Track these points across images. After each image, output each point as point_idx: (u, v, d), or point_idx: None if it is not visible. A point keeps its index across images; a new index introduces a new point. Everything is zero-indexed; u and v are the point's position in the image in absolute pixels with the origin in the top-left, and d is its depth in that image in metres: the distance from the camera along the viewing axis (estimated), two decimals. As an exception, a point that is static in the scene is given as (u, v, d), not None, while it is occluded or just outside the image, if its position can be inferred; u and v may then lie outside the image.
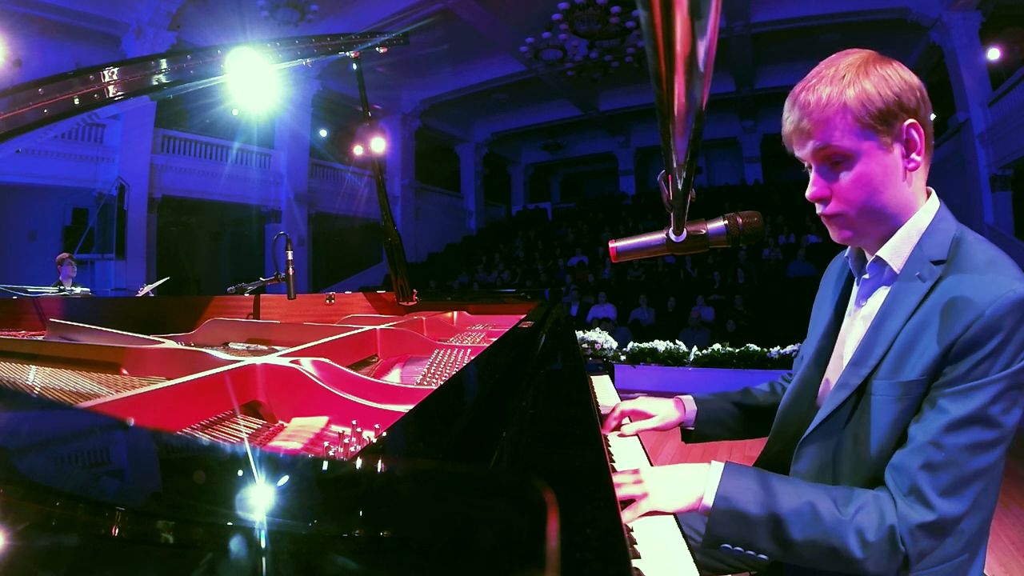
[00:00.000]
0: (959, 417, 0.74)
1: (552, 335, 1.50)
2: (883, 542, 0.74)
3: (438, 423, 0.56)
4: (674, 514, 0.84)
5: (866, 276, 0.93)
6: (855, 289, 0.98)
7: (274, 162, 11.46)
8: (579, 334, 5.47)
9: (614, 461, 1.08)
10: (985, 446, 0.74)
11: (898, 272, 0.85)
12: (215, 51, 1.58)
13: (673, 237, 0.93)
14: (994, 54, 8.83)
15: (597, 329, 5.96)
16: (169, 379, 0.81)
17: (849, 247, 0.97)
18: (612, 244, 1.00)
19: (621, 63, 11.30)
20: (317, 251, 13.12)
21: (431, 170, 15.39)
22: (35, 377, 1.12)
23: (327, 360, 0.97)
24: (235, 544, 0.24)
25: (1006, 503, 2.78)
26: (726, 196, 13.05)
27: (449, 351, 1.38)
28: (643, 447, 1.18)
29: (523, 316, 1.77)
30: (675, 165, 0.52)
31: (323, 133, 13.00)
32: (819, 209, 0.88)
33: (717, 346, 6.51)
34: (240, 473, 0.28)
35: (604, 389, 1.75)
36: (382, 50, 2.30)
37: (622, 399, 1.66)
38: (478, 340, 1.65)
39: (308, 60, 1.96)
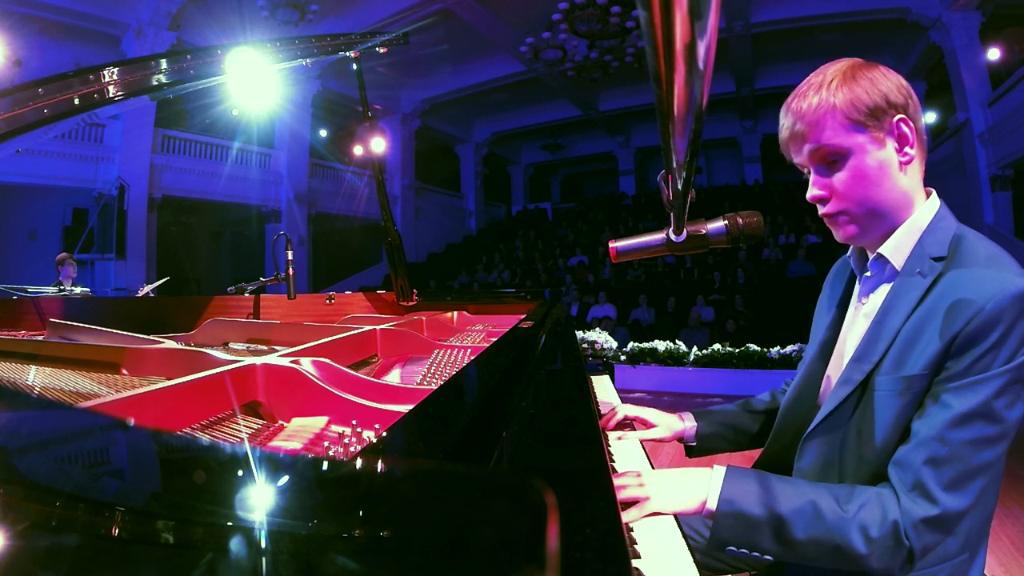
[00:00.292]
0: (962, 412, 0.74)
1: (552, 335, 1.50)
2: (887, 537, 0.74)
3: (438, 423, 0.56)
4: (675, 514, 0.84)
5: (868, 274, 0.93)
6: (857, 287, 0.99)
7: (274, 162, 11.46)
8: (579, 334, 5.47)
9: (614, 462, 1.08)
10: (988, 441, 0.74)
11: (899, 269, 0.86)
12: (215, 51, 1.58)
13: (673, 237, 0.93)
14: (994, 54, 8.83)
15: (597, 329, 5.96)
16: (169, 379, 0.81)
17: (851, 247, 0.98)
18: (612, 244, 1.00)
19: (621, 63, 11.30)
20: (317, 251, 13.12)
21: (431, 170, 15.39)
22: (35, 377, 1.12)
23: (327, 360, 0.97)
24: (235, 544, 0.24)
25: (1006, 503, 2.78)
26: (726, 196, 13.05)
27: (449, 351, 1.38)
28: (643, 448, 1.18)
29: (523, 316, 1.77)
30: (675, 165, 0.52)
31: (323, 133, 13.00)
32: (820, 210, 0.90)
33: (717, 346, 6.51)
34: (240, 473, 0.28)
35: (604, 389, 1.75)
36: (382, 50, 2.30)
37: (622, 399, 1.65)
38: (478, 340, 1.65)
39: (308, 60, 1.96)
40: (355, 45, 2.14)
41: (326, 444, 0.75)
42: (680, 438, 1.23)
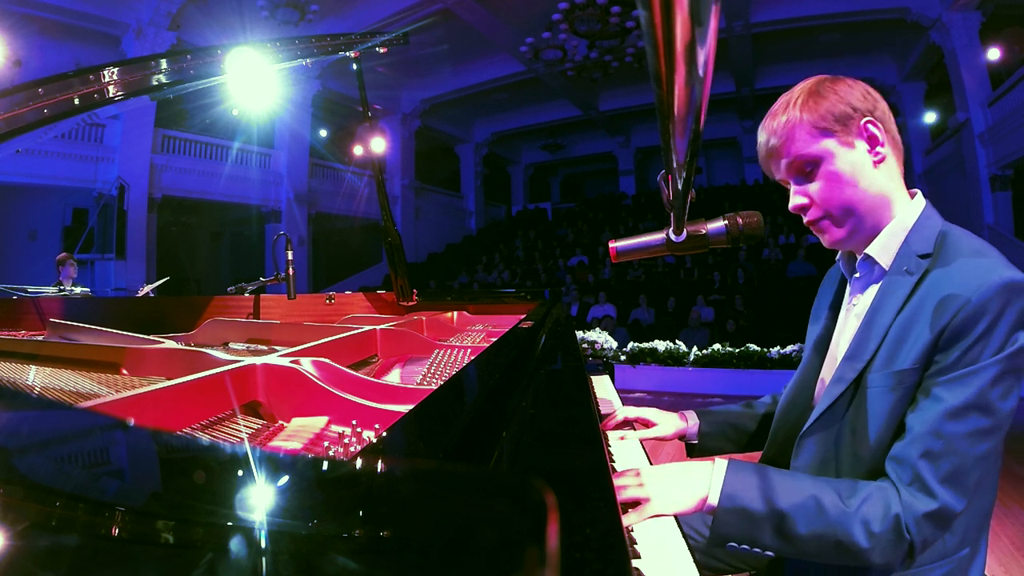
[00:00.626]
0: (956, 405, 0.75)
1: (552, 335, 1.50)
2: (889, 532, 0.74)
3: (438, 423, 0.56)
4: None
5: (857, 275, 0.95)
6: (848, 289, 1.00)
7: (274, 162, 11.46)
8: (579, 334, 5.47)
9: (614, 461, 1.08)
10: (983, 433, 0.75)
11: (887, 268, 0.88)
12: (215, 51, 1.58)
13: (673, 237, 0.93)
14: (994, 54, 8.83)
15: (597, 329, 5.96)
16: (169, 379, 0.81)
17: (840, 252, 1.00)
18: (612, 244, 1.00)
19: (621, 63, 11.30)
20: (317, 251, 13.12)
21: (431, 170, 15.39)
22: (35, 377, 1.12)
23: (327, 360, 0.97)
24: (235, 544, 0.24)
25: (1006, 503, 2.78)
26: (726, 196, 13.05)
27: (449, 351, 1.38)
28: (643, 447, 1.18)
29: (523, 316, 1.77)
30: (675, 165, 0.52)
31: (323, 133, 13.00)
32: (804, 218, 0.93)
33: (717, 346, 6.51)
34: (240, 473, 0.28)
35: (604, 389, 1.75)
36: (382, 50, 2.30)
37: (622, 399, 1.65)
38: (478, 340, 1.65)
39: (308, 60, 1.96)
40: (355, 45, 2.14)
41: (326, 444, 0.75)
42: (682, 436, 1.23)
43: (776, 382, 1.29)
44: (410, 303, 2.41)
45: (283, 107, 10.88)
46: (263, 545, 0.24)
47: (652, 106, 0.37)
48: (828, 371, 0.99)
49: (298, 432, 0.80)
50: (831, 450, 0.88)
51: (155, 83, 1.40)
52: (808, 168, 0.89)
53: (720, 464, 0.84)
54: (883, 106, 0.88)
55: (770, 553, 0.81)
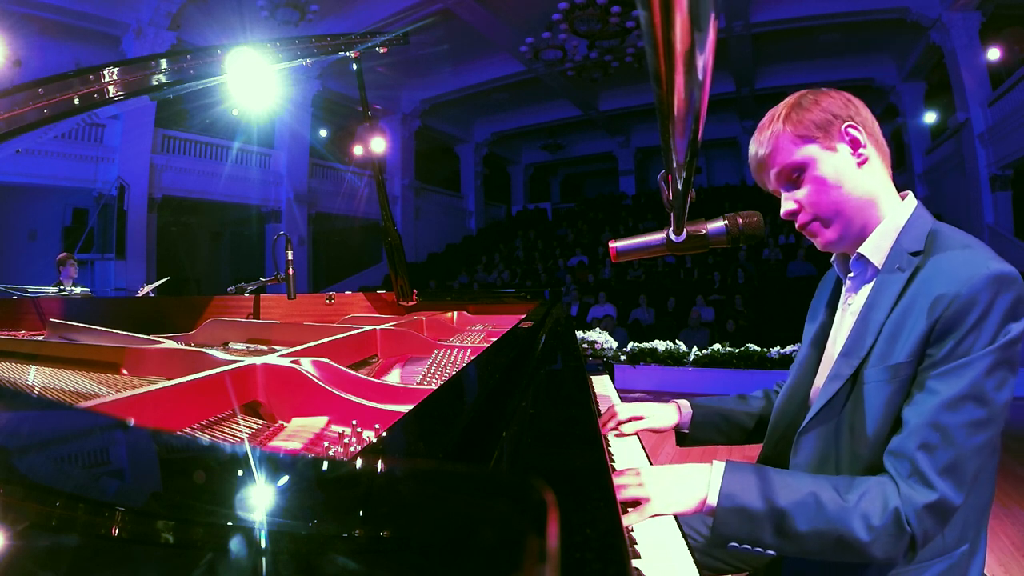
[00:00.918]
0: (951, 396, 0.76)
1: (552, 335, 1.50)
2: (889, 525, 0.74)
3: (438, 423, 0.56)
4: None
5: (851, 275, 0.97)
6: (843, 290, 1.02)
7: (274, 162, 11.46)
8: (579, 334, 5.47)
9: (614, 461, 1.08)
10: (979, 424, 0.75)
11: (880, 267, 0.90)
12: (215, 51, 1.58)
13: (673, 237, 0.93)
14: (994, 54, 8.83)
15: (597, 329, 5.96)
16: (169, 379, 0.81)
17: (834, 254, 1.01)
18: (612, 244, 1.00)
19: (621, 63, 11.30)
20: (317, 251, 13.12)
21: (431, 170, 15.39)
22: (35, 377, 1.12)
23: (327, 360, 0.97)
24: (235, 544, 0.24)
25: (1006, 503, 2.78)
26: (726, 196, 13.05)
27: (449, 351, 1.38)
28: (643, 447, 1.19)
29: (523, 316, 1.77)
30: (675, 165, 0.52)
31: (323, 133, 13.00)
32: (796, 224, 0.95)
33: (717, 346, 6.52)
34: (240, 473, 0.28)
35: (604, 389, 1.75)
36: (382, 50, 2.30)
37: (622, 399, 1.65)
38: (478, 340, 1.65)
39: (308, 60, 1.96)
40: (355, 45, 2.14)
41: (326, 444, 0.75)
42: (677, 426, 1.24)
43: (776, 382, 1.30)
44: (410, 303, 2.41)
45: (283, 107, 10.88)
46: (263, 545, 0.24)
47: (652, 106, 0.37)
48: (825, 368, 1.00)
49: (298, 432, 0.80)
50: (830, 446, 0.89)
51: (155, 83, 1.40)
52: (795, 175, 0.92)
53: (718, 464, 0.85)
54: (865, 112, 0.92)
55: (771, 552, 0.81)
